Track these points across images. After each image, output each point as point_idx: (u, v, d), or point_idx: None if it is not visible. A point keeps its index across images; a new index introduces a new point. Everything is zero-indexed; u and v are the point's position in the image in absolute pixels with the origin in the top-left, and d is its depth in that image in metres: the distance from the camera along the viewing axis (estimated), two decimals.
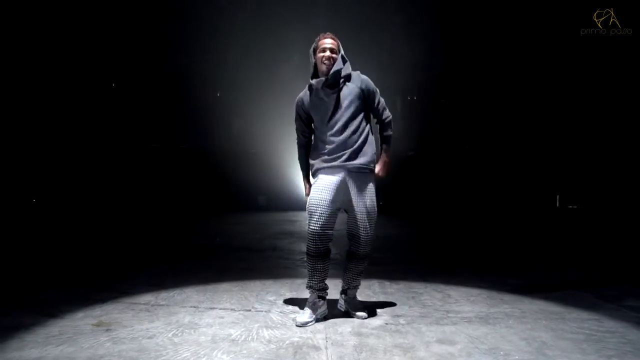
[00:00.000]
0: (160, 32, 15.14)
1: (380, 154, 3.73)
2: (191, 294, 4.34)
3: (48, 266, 5.76)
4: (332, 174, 3.48)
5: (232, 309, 3.90)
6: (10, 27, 12.78)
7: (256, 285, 4.71)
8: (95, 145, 14.93)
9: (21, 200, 13.56)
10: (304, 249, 3.89)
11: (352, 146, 3.47)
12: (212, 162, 15.91)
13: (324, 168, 3.52)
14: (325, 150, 3.51)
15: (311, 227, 3.46)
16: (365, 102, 3.58)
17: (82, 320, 3.58)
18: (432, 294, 4.40)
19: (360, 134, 3.53)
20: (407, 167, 15.44)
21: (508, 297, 4.33)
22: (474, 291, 4.52)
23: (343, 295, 3.78)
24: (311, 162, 3.64)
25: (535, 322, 3.59)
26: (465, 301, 4.17)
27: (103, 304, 3.99)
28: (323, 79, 3.50)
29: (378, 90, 3.65)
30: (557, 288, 4.68)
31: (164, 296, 4.26)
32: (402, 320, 3.61)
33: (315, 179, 3.57)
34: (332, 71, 3.48)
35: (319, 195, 3.46)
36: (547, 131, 14.43)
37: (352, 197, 3.48)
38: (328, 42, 3.53)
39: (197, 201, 15.10)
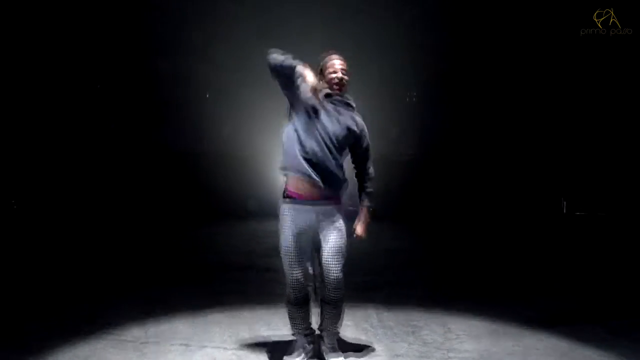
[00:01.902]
0: (148, 33, 14.86)
1: (361, 213, 3.44)
2: (181, 327, 4.17)
3: (28, 287, 5.55)
4: (300, 209, 3.20)
5: (224, 348, 3.73)
6: None
7: (248, 315, 4.54)
8: (82, 147, 14.67)
9: (2, 204, 13.30)
10: None
11: (330, 171, 3.17)
12: (200, 165, 15.66)
13: (292, 200, 3.23)
14: (304, 162, 3.13)
15: (291, 275, 3.22)
16: (353, 146, 3.36)
17: None
18: (432, 328, 4.23)
19: (339, 165, 3.26)
20: (405, 171, 15.25)
21: (512, 330, 4.18)
22: (476, 323, 4.36)
23: (322, 344, 3.47)
24: (285, 165, 3.25)
25: None
26: (467, 337, 4.01)
27: (90, 341, 3.81)
28: (335, 95, 3.28)
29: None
30: (562, 318, 4.52)
31: (152, 331, 4.08)
32: None
33: (282, 212, 3.27)
34: (344, 95, 3.32)
35: (290, 240, 3.20)
36: (550, 133, 14.36)
37: (319, 233, 3.22)
38: (339, 62, 3.29)
39: (185, 205, 14.85)
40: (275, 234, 3.36)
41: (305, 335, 3.42)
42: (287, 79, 3.13)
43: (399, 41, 14.79)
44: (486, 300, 5.18)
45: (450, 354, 3.62)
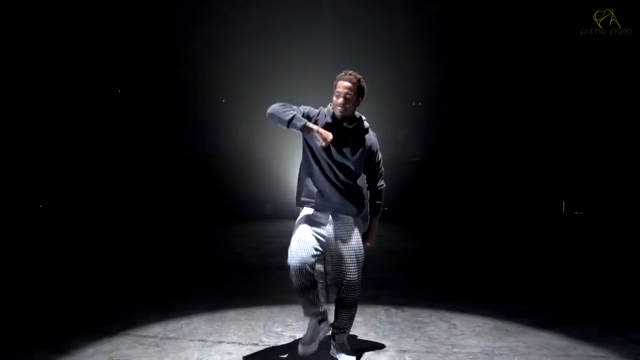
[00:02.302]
0: (166, 40, 15.23)
1: (370, 225, 3.63)
2: (199, 324, 4.38)
3: (52, 288, 5.78)
4: (318, 213, 3.43)
5: (239, 343, 3.94)
6: (17, 36, 12.89)
7: (263, 313, 4.75)
8: (102, 151, 15.04)
9: (28, 205, 13.66)
10: None
11: (346, 197, 3.41)
12: (217, 168, 15.97)
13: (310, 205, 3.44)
14: (318, 195, 3.41)
15: (289, 263, 3.27)
16: (365, 163, 3.51)
17: (93, 357, 3.62)
18: (437, 324, 4.43)
19: (355, 188, 3.48)
20: (412, 173, 15.45)
21: (513, 327, 4.35)
22: (479, 320, 4.55)
23: (332, 341, 3.61)
24: (300, 193, 3.50)
25: (540, 359, 3.61)
26: (471, 333, 4.20)
27: (112, 337, 4.02)
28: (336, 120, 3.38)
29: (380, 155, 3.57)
30: (562, 316, 4.71)
31: (172, 327, 4.30)
32: (407, 357, 3.65)
33: (301, 213, 3.48)
34: (345, 118, 3.38)
35: (301, 230, 3.35)
36: (551, 135, 14.43)
37: (337, 238, 3.40)
38: (345, 85, 3.32)
39: (202, 208, 15.16)
40: (288, 234, 3.52)
41: (318, 315, 3.43)
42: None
43: (403, 49, 15.01)
44: (489, 299, 5.39)
45: (455, 350, 3.81)
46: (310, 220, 3.41)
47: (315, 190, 3.41)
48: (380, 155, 3.57)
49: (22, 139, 13.47)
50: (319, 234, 3.37)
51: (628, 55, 12.35)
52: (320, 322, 3.47)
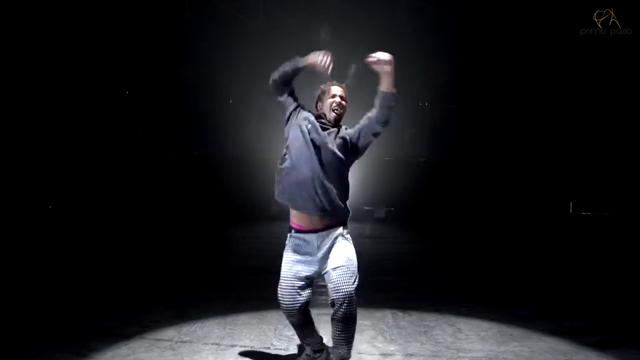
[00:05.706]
0: (173, 41, 15.39)
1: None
2: (212, 328, 4.52)
3: (69, 291, 5.92)
4: (302, 241, 3.28)
5: (252, 347, 4.07)
6: (26, 38, 13.06)
7: (274, 316, 4.87)
8: (109, 152, 15.20)
9: (37, 206, 13.84)
10: None
11: (326, 199, 3.17)
12: (223, 169, 16.12)
13: (295, 234, 3.33)
14: (298, 198, 3.21)
15: (280, 302, 3.29)
16: (353, 146, 3.28)
17: None
18: (443, 328, 4.55)
19: (337, 192, 3.23)
20: (419, 173, 15.54)
21: (518, 332, 4.46)
22: (484, 324, 4.66)
23: None
24: (279, 197, 3.35)
25: None
26: (476, 337, 4.31)
27: (129, 341, 4.16)
28: (325, 122, 3.30)
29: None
30: (566, 321, 4.81)
31: (186, 331, 4.44)
32: None
33: (286, 243, 3.38)
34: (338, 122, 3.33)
35: (286, 272, 3.29)
36: (558, 135, 14.47)
37: (325, 257, 3.23)
38: (338, 89, 3.35)
39: (210, 208, 15.31)
40: None
41: (315, 344, 3.42)
42: (285, 82, 3.39)
43: (409, 50, 15.09)
44: (494, 302, 5.50)
45: (460, 354, 3.92)
46: (296, 253, 3.30)
47: (292, 191, 3.23)
48: (358, 126, 3.31)
49: (31, 140, 13.63)
50: (306, 263, 3.27)
51: (628, 55, 12.39)
52: (315, 352, 3.41)
